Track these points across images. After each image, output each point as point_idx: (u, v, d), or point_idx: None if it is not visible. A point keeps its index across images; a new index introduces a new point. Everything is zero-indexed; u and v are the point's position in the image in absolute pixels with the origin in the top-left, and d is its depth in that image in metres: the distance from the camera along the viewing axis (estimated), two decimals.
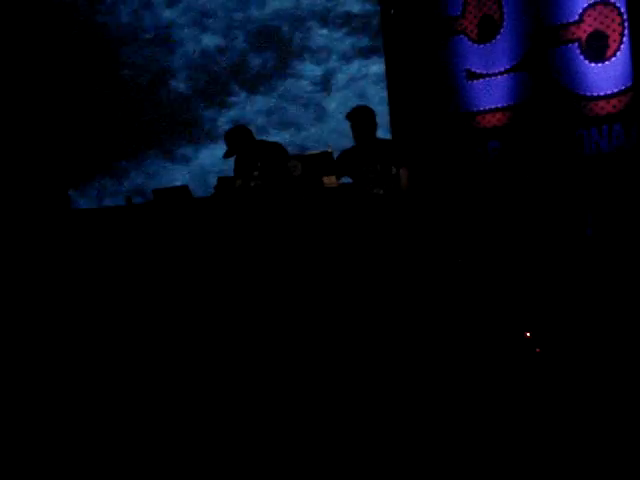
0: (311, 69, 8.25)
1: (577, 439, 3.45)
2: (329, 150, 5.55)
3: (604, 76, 6.82)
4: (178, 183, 7.71)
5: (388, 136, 7.44)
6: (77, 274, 5.64)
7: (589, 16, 6.85)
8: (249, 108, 8.31)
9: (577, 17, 6.89)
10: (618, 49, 6.76)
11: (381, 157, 5.97)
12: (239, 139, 6.24)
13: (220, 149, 6.38)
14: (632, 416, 3.54)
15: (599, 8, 6.81)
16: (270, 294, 5.21)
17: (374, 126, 6.13)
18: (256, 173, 6.06)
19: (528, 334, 4.19)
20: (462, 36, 7.38)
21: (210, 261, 5.45)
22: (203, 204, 6.10)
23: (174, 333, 5.15)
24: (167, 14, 8.35)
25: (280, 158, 6.00)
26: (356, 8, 7.98)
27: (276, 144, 6.36)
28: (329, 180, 5.47)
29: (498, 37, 7.24)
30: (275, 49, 8.19)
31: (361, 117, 6.10)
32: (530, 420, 3.66)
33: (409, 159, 6.05)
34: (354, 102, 7.56)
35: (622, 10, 6.72)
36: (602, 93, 6.84)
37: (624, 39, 6.73)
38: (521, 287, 5.22)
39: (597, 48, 6.83)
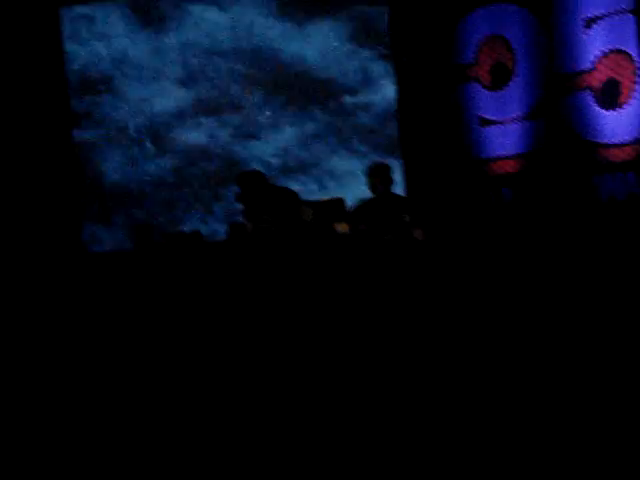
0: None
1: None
2: (340, 198, 5.56)
3: (618, 124, 6.82)
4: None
5: (400, 182, 7.46)
6: (86, 319, 5.63)
7: (602, 64, 6.86)
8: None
9: (590, 65, 6.91)
10: (631, 97, 6.76)
11: (395, 210, 6.01)
12: (251, 182, 6.26)
13: None
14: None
15: (612, 56, 6.83)
16: (280, 339, 5.18)
17: (390, 182, 6.26)
18: (266, 217, 6.06)
19: None
20: (475, 83, 7.40)
21: (220, 306, 5.44)
22: (215, 249, 6.11)
23: (183, 378, 5.13)
24: None
25: (292, 203, 6.01)
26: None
27: (287, 189, 6.38)
28: (340, 226, 5.46)
29: (511, 84, 7.26)
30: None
31: (379, 174, 6.22)
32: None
33: (423, 216, 6.13)
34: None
35: (635, 59, 6.73)
36: (616, 141, 6.83)
37: (637, 87, 6.73)
38: (536, 337, 5.17)
39: (610, 96, 6.84)
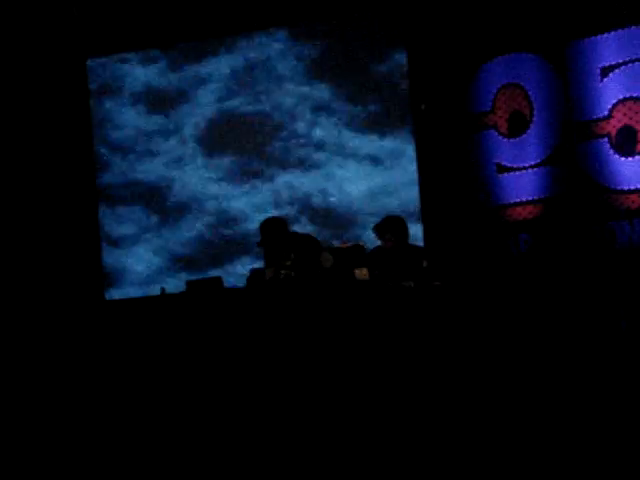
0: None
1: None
2: (361, 244, 5.60)
3: (635, 170, 6.87)
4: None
5: (419, 228, 7.51)
6: (109, 366, 5.67)
7: (618, 112, 6.93)
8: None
9: (607, 113, 6.98)
10: None
11: (414, 257, 5.98)
12: (273, 229, 6.28)
13: None
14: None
15: (628, 104, 6.90)
16: (300, 385, 5.20)
17: (404, 235, 6.19)
18: (288, 263, 6.08)
19: None
20: (492, 131, 7.48)
21: (241, 352, 5.46)
22: (235, 295, 6.14)
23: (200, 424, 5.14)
24: None
25: (313, 249, 6.04)
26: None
27: (309, 236, 6.42)
28: (360, 272, 5.50)
29: (528, 132, 7.33)
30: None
31: (390, 228, 6.16)
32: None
33: (442, 264, 6.13)
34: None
35: None
36: (633, 187, 6.88)
37: None
38: (554, 384, 5.17)
39: (627, 143, 6.90)
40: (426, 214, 7.67)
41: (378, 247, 6.31)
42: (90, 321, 5.91)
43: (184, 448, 4.81)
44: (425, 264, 5.86)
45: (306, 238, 6.27)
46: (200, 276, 7.46)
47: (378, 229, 6.21)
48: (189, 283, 6.04)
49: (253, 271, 6.18)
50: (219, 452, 4.69)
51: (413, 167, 7.81)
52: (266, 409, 5.10)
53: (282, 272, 5.99)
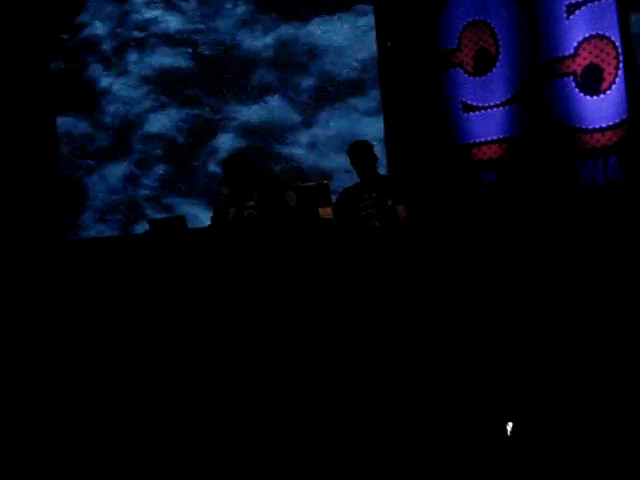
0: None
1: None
2: (325, 182, 5.56)
3: (599, 109, 6.86)
4: None
5: (384, 167, 7.47)
6: (70, 305, 5.62)
7: (584, 49, 6.90)
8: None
9: (572, 51, 6.94)
10: (613, 82, 6.80)
11: (380, 191, 5.97)
12: (237, 167, 6.19)
13: None
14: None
15: (594, 42, 6.86)
16: (264, 326, 5.19)
17: (374, 159, 6.15)
18: (251, 203, 6.02)
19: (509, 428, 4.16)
20: (458, 69, 7.42)
21: (204, 292, 5.44)
22: (199, 235, 6.10)
23: (169, 364, 5.13)
24: None
25: (276, 189, 5.99)
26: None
27: (273, 175, 6.37)
28: (325, 212, 5.47)
29: (494, 70, 7.28)
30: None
31: (361, 152, 6.11)
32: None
33: (407, 194, 6.05)
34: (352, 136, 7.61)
35: (617, 44, 6.77)
36: (597, 126, 6.88)
37: (619, 72, 6.78)
38: (516, 319, 5.21)
39: (592, 81, 6.87)
40: (391, 153, 7.64)
41: (346, 188, 6.26)
42: (47, 264, 5.84)
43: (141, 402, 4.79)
44: (390, 203, 5.85)
45: (270, 177, 6.22)
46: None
47: (350, 153, 6.17)
48: (152, 222, 5.99)
49: (217, 210, 6.13)
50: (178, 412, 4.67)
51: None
52: (232, 359, 5.10)
53: (246, 211, 5.95)
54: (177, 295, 5.46)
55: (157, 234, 5.91)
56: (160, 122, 8.32)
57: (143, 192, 8.25)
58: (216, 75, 8.25)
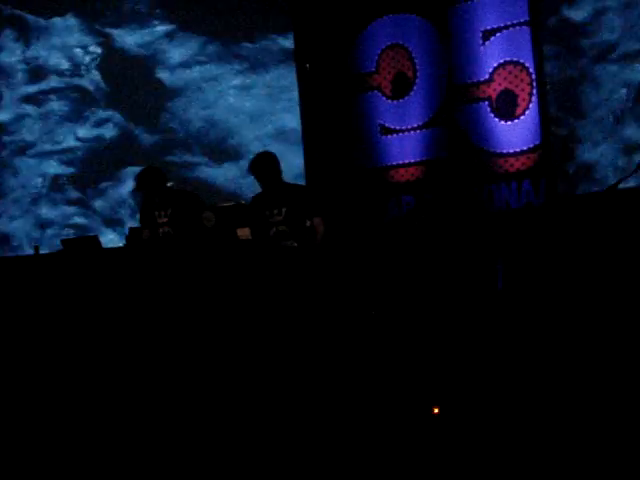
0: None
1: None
2: (242, 202, 5.52)
3: (513, 134, 7.00)
4: None
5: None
6: None
7: (499, 75, 7.02)
8: None
9: (487, 76, 7.07)
10: (527, 108, 6.94)
11: (289, 201, 5.76)
12: (150, 181, 6.00)
13: None
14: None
15: (509, 68, 7.00)
16: (180, 345, 5.13)
17: (278, 172, 5.78)
18: (165, 220, 5.87)
19: (435, 410, 4.19)
20: (376, 92, 7.49)
21: (119, 312, 5.34)
22: (113, 255, 5.99)
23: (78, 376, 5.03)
24: None
25: (193, 207, 5.88)
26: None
27: (190, 193, 6.22)
28: (242, 232, 5.43)
29: (411, 93, 7.37)
30: None
31: (263, 166, 5.75)
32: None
33: (324, 209, 5.97)
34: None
35: (531, 70, 6.92)
36: (511, 150, 7.01)
37: (533, 98, 6.92)
38: (434, 339, 5.25)
39: (507, 107, 7.01)
40: (310, 174, 7.65)
41: (256, 196, 6.01)
42: None
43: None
44: (308, 224, 5.83)
45: (186, 195, 6.08)
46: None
47: (252, 168, 5.77)
48: (65, 242, 5.86)
49: (131, 230, 6.03)
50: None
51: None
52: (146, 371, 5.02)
53: (160, 230, 5.83)
54: (90, 314, 5.36)
55: (70, 254, 5.78)
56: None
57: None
58: None
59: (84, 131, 8.20)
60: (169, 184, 6.21)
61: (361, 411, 4.26)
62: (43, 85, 8.29)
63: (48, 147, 8.21)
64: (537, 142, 6.90)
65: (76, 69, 8.20)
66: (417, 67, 7.35)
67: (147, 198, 5.98)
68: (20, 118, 8.24)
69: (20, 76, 8.27)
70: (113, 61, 8.17)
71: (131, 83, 8.13)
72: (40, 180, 8.12)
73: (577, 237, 6.59)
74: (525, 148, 6.95)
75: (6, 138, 8.14)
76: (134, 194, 6.08)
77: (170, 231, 5.83)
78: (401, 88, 7.40)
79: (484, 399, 4.30)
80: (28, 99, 8.25)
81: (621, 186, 5.26)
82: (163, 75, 8.14)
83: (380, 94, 7.48)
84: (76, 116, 8.17)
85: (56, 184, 8.08)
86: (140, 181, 5.97)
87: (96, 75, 8.23)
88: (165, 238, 5.82)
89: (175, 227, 5.83)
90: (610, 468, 3.35)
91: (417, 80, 7.35)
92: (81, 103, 8.18)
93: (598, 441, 3.60)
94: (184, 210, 5.85)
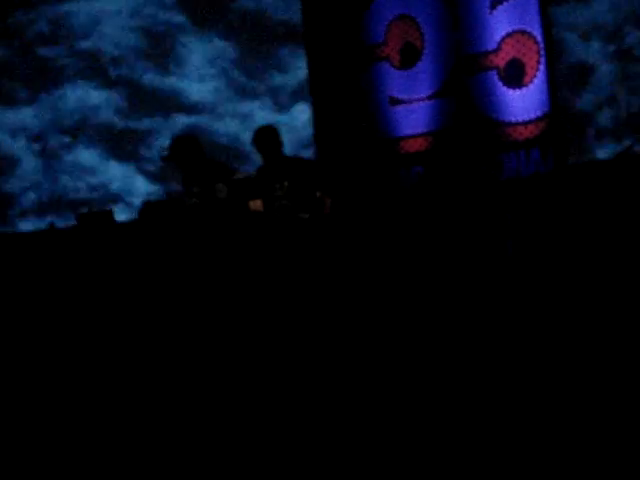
0: None
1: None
2: (253, 174, 5.55)
3: (522, 103, 7.01)
4: None
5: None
6: None
7: (507, 44, 7.04)
8: None
9: (495, 45, 7.08)
10: (535, 76, 6.96)
11: (290, 175, 5.76)
12: (187, 149, 5.83)
13: None
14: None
15: (517, 37, 7.01)
16: (192, 320, 5.19)
17: (279, 144, 5.79)
18: (196, 190, 5.79)
19: None
20: (384, 62, 7.50)
21: (132, 287, 5.40)
22: (126, 229, 6.05)
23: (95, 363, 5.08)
24: None
25: (225, 177, 5.73)
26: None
27: (222, 163, 6.06)
28: (255, 204, 5.48)
29: (419, 64, 7.38)
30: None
31: (265, 138, 5.78)
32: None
33: (333, 186, 6.02)
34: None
35: (538, 39, 6.93)
36: (520, 119, 7.03)
37: (540, 67, 6.93)
38: (444, 308, 5.30)
39: (515, 75, 7.02)
40: (320, 145, 7.68)
41: (259, 169, 6.02)
42: None
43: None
44: (319, 194, 5.88)
45: (218, 165, 5.88)
46: None
47: (255, 141, 5.81)
48: (80, 216, 5.92)
49: (147, 204, 6.05)
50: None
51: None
52: (157, 355, 5.08)
53: (191, 200, 5.71)
54: (104, 290, 5.42)
55: (84, 228, 5.84)
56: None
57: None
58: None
59: None
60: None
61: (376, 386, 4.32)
62: None
63: None
64: (546, 110, 6.92)
65: None
66: (425, 37, 7.36)
67: (183, 165, 5.76)
68: None
69: None
70: None
71: None
72: None
73: (587, 205, 6.62)
74: (533, 116, 6.97)
75: None
76: (167, 157, 5.81)
77: (198, 201, 5.72)
78: (409, 58, 7.41)
79: (494, 372, 4.35)
80: None
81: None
82: None
83: (388, 65, 7.49)
84: None
85: None
86: (175, 148, 5.77)
87: None
88: (195, 211, 5.70)
89: (202, 197, 5.68)
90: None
91: (425, 50, 7.36)
92: None
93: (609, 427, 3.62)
94: (213, 180, 5.66)
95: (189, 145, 5.80)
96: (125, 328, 5.22)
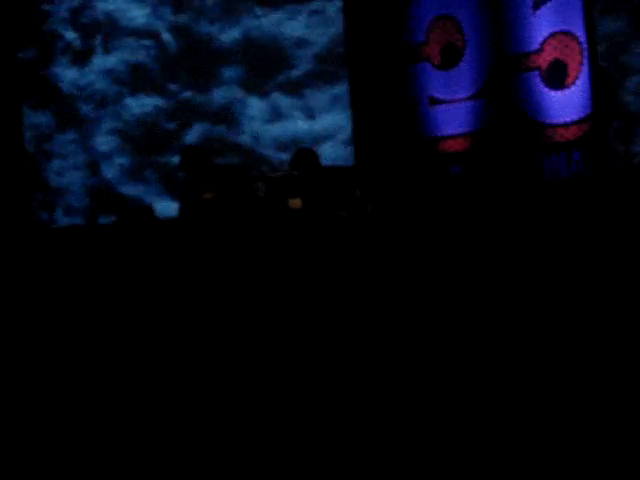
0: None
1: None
2: (294, 173, 5.58)
3: (564, 104, 6.96)
4: None
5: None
6: (37, 295, 5.60)
7: (550, 45, 6.99)
8: None
9: (538, 46, 7.03)
10: (578, 78, 6.90)
11: (333, 180, 5.84)
12: (196, 158, 6.06)
13: None
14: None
15: (559, 37, 6.96)
16: (234, 315, 5.21)
17: (318, 167, 5.93)
18: (208, 195, 5.92)
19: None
20: (425, 63, 7.48)
21: (174, 284, 5.45)
22: (167, 226, 6.11)
23: (136, 357, 5.13)
24: None
25: (244, 179, 5.94)
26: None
27: (236, 166, 6.26)
28: (294, 202, 5.50)
29: (461, 64, 7.35)
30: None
31: (307, 163, 5.89)
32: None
33: (373, 187, 6.05)
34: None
35: (581, 40, 6.87)
36: (562, 121, 6.97)
37: (583, 68, 6.88)
38: (482, 308, 5.29)
39: (557, 76, 6.97)
40: (359, 145, 7.68)
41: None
42: (13, 255, 5.81)
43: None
44: (358, 194, 5.89)
45: (233, 168, 6.11)
46: None
47: (293, 164, 5.94)
48: (120, 213, 5.98)
49: (185, 200, 6.11)
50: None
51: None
52: (196, 348, 5.11)
53: (209, 201, 5.84)
54: (146, 286, 5.47)
55: (125, 224, 5.91)
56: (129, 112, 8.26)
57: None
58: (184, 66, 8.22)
59: None
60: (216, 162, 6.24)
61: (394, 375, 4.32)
62: None
63: None
64: (588, 112, 6.86)
65: None
66: (466, 37, 7.33)
67: (191, 176, 6.02)
68: None
69: None
70: None
71: None
72: None
73: (627, 208, 6.56)
74: (576, 118, 6.91)
75: None
76: (179, 167, 6.07)
77: (216, 205, 5.86)
78: (450, 59, 7.38)
79: (527, 368, 4.34)
80: None
81: None
82: None
83: (429, 65, 7.47)
84: None
85: None
86: (185, 157, 6.03)
87: None
88: (213, 211, 5.86)
89: (224, 199, 5.86)
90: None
91: (466, 50, 7.33)
92: None
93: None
94: (232, 181, 5.88)
95: (199, 154, 5.99)
96: (166, 319, 5.27)
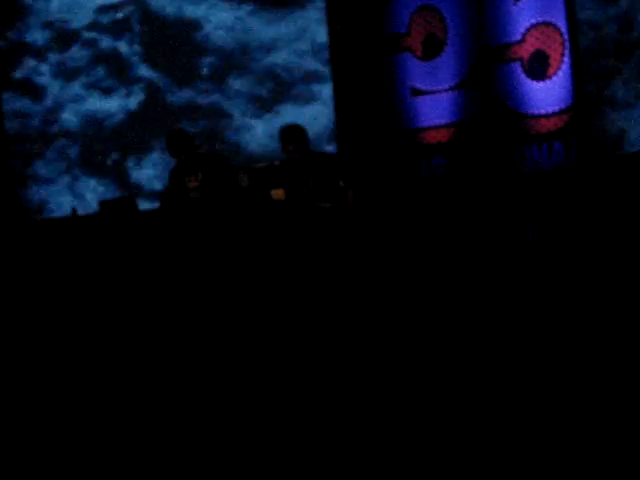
0: None
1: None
2: (276, 163, 5.57)
3: (545, 95, 6.98)
4: None
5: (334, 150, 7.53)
6: (17, 285, 5.57)
7: (531, 36, 7.01)
8: None
9: (520, 37, 7.05)
10: (559, 68, 6.92)
11: (316, 170, 5.82)
12: (178, 142, 6.08)
13: None
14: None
15: (541, 28, 6.98)
16: (217, 306, 5.21)
17: (308, 144, 5.93)
18: (193, 182, 5.90)
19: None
20: (407, 53, 7.48)
21: (154, 274, 5.43)
22: (148, 217, 6.09)
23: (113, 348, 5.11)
24: None
25: (227, 170, 5.94)
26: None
27: (220, 155, 6.26)
28: (276, 193, 5.49)
29: (443, 55, 7.36)
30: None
31: (295, 137, 5.90)
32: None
33: (356, 177, 6.04)
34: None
35: (563, 31, 6.89)
36: (543, 111, 7.00)
37: (565, 59, 6.90)
38: (465, 298, 5.30)
39: (539, 67, 6.99)
40: (341, 136, 7.68)
41: (282, 161, 6.07)
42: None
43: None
44: (342, 184, 5.89)
45: (217, 157, 6.10)
46: None
47: (283, 139, 5.91)
48: (102, 203, 5.95)
49: (165, 193, 6.09)
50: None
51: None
52: (180, 339, 5.10)
53: (191, 194, 5.85)
54: (127, 277, 5.45)
55: (106, 215, 5.88)
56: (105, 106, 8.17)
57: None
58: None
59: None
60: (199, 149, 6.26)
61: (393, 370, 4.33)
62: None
63: None
64: (569, 103, 6.88)
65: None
66: (448, 28, 7.33)
67: (176, 157, 6.04)
68: None
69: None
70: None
71: None
72: None
73: (608, 199, 6.59)
74: (557, 109, 6.94)
75: None
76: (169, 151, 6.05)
77: (200, 196, 5.87)
78: (432, 49, 7.39)
79: (511, 358, 4.35)
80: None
81: None
82: None
83: (411, 55, 7.47)
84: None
85: None
86: (169, 142, 6.05)
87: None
88: (196, 203, 5.87)
89: (207, 189, 5.87)
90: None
91: (448, 41, 7.33)
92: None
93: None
94: (215, 171, 5.88)
95: (181, 138, 6.00)
96: (145, 314, 5.26)
